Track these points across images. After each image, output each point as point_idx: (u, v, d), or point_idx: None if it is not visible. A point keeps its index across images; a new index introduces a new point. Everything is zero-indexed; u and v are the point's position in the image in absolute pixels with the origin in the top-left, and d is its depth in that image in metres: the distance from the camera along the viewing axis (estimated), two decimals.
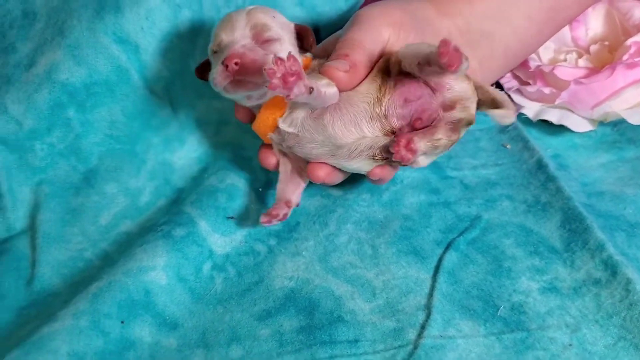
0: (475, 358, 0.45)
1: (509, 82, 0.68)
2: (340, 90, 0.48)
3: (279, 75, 0.43)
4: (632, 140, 0.64)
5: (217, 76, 0.49)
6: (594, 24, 0.69)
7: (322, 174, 0.51)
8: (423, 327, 0.47)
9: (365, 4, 0.70)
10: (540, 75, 0.65)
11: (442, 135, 0.47)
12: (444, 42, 0.42)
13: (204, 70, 0.54)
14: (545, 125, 0.66)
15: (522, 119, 0.67)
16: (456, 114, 0.48)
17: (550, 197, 0.57)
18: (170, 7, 0.60)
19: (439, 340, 0.46)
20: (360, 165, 0.50)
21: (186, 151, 0.64)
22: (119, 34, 0.59)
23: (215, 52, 0.51)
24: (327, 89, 0.47)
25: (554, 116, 0.65)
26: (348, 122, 0.48)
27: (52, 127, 0.60)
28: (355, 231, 0.56)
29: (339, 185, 0.58)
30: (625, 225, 0.54)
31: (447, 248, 0.54)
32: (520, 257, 0.52)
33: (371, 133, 0.48)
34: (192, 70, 0.63)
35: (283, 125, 0.50)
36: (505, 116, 0.49)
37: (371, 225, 0.57)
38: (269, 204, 0.60)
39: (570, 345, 0.45)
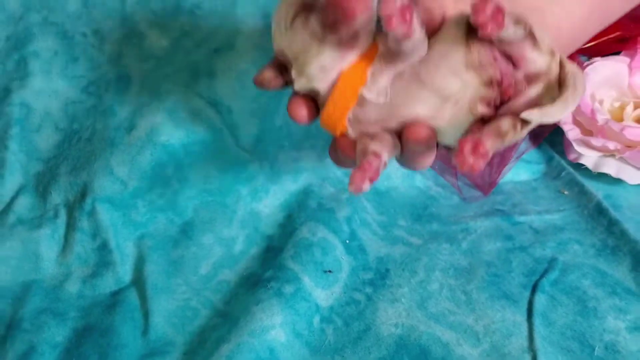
0: None
1: (571, 130, 0.72)
2: None
3: (398, 5, 0.37)
4: None
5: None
6: None
7: (424, 134, 0.44)
8: None
9: None
10: (605, 130, 0.70)
11: (508, 127, 0.41)
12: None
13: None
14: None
15: (579, 167, 0.72)
16: (537, 90, 0.42)
17: (616, 241, 0.62)
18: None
19: None
20: (461, 122, 0.43)
21: (271, 200, 0.68)
22: (213, 97, 0.63)
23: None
24: None
25: (612, 169, 0.69)
26: (447, 73, 0.42)
27: (153, 186, 0.64)
28: (445, 278, 0.61)
29: (419, 234, 0.63)
30: None
31: (533, 290, 0.59)
32: (601, 297, 0.57)
33: (471, 82, 0.42)
34: (275, 126, 0.67)
35: (370, 95, 0.43)
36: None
37: (458, 272, 0.61)
38: (357, 256, 0.64)
39: None
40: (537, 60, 0.42)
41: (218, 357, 0.52)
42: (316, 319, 0.58)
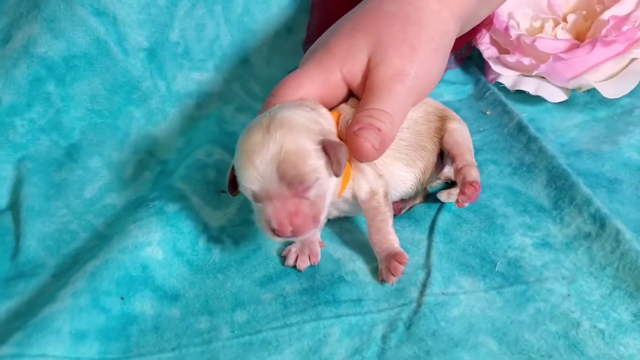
0: (479, 312, 0.46)
1: (488, 49, 0.69)
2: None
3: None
4: (604, 101, 0.65)
5: (269, 233, 0.44)
6: None
7: None
8: (424, 286, 0.48)
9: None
10: (520, 45, 0.66)
11: None
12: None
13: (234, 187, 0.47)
14: (519, 91, 0.68)
15: (499, 87, 0.68)
16: None
17: (533, 158, 0.58)
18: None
19: (442, 297, 0.47)
20: None
21: (169, 124, 0.64)
22: (95, 5, 0.58)
23: (252, 198, 0.45)
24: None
25: (530, 86, 0.66)
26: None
27: (32, 103, 0.59)
28: None
29: None
30: (605, 182, 0.56)
31: (439, 210, 0.55)
32: (511, 215, 0.54)
33: None
34: (171, 42, 0.62)
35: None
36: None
37: None
38: None
39: (568, 295, 0.46)
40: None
41: (83, 273, 0.48)
42: (202, 239, 0.53)
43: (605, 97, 0.63)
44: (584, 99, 0.67)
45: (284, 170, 0.42)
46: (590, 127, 0.64)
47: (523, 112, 0.65)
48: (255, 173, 0.43)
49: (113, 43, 0.59)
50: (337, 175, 0.44)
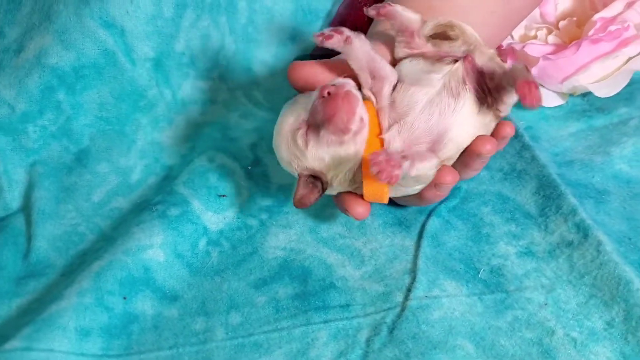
0: (459, 316, 0.48)
1: None
2: None
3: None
4: (601, 109, 0.66)
5: None
6: None
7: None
8: (409, 290, 0.50)
9: None
10: (512, 52, 0.68)
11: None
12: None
13: None
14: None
15: None
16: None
17: (525, 165, 0.60)
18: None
19: (425, 301, 0.49)
20: None
21: (174, 130, 0.66)
22: (104, 18, 0.61)
23: None
24: None
25: None
26: None
27: (44, 110, 0.62)
28: None
29: None
30: (593, 193, 0.57)
31: (429, 215, 0.57)
32: (497, 223, 0.56)
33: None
34: (176, 52, 0.65)
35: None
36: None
37: None
38: (258, 182, 0.62)
39: (545, 304, 0.49)
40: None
41: (88, 273, 0.51)
42: (202, 242, 0.56)
43: (603, 105, 0.65)
44: (583, 107, 0.68)
45: None
46: (586, 136, 0.65)
47: (521, 119, 0.67)
48: None
49: (121, 53, 0.62)
50: None
